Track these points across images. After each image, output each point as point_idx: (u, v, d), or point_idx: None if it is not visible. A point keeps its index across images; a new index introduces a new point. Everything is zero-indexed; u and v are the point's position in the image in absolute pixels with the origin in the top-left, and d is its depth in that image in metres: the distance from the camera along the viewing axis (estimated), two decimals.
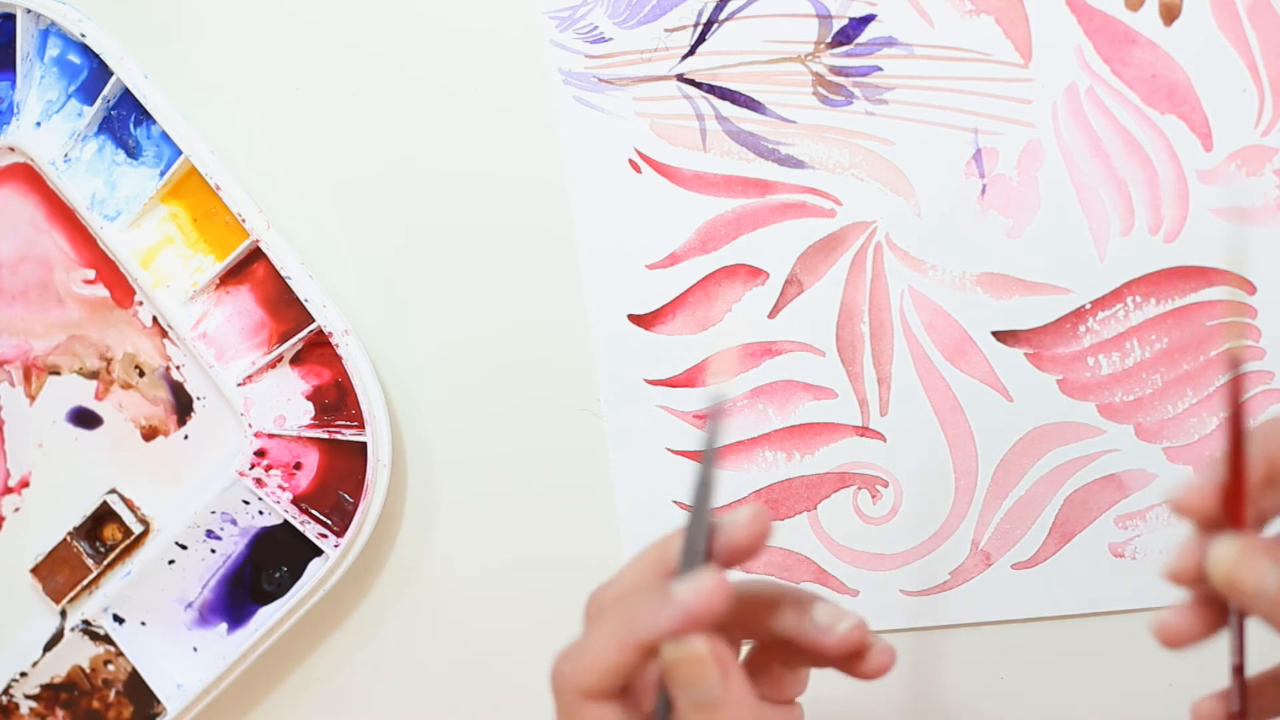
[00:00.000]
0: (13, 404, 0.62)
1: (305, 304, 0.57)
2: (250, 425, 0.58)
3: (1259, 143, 0.51)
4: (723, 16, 0.54)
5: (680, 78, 0.55)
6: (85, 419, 0.61)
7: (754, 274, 0.55)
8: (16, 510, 0.62)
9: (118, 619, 0.61)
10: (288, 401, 0.58)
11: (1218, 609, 0.40)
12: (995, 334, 0.54)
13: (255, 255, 0.58)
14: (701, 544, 0.40)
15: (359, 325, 0.58)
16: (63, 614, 0.62)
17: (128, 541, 0.60)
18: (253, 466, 0.58)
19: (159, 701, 0.60)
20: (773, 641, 0.44)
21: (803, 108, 0.54)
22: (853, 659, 0.43)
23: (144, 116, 0.58)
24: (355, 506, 0.57)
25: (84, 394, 0.61)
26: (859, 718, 0.58)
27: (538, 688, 0.60)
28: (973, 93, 0.53)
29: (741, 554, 0.41)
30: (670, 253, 0.56)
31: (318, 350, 0.58)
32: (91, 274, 0.60)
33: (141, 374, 0.60)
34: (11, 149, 0.59)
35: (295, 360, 0.58)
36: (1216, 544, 0.39)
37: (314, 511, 0.58)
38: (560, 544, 0.59)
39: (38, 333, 0.61)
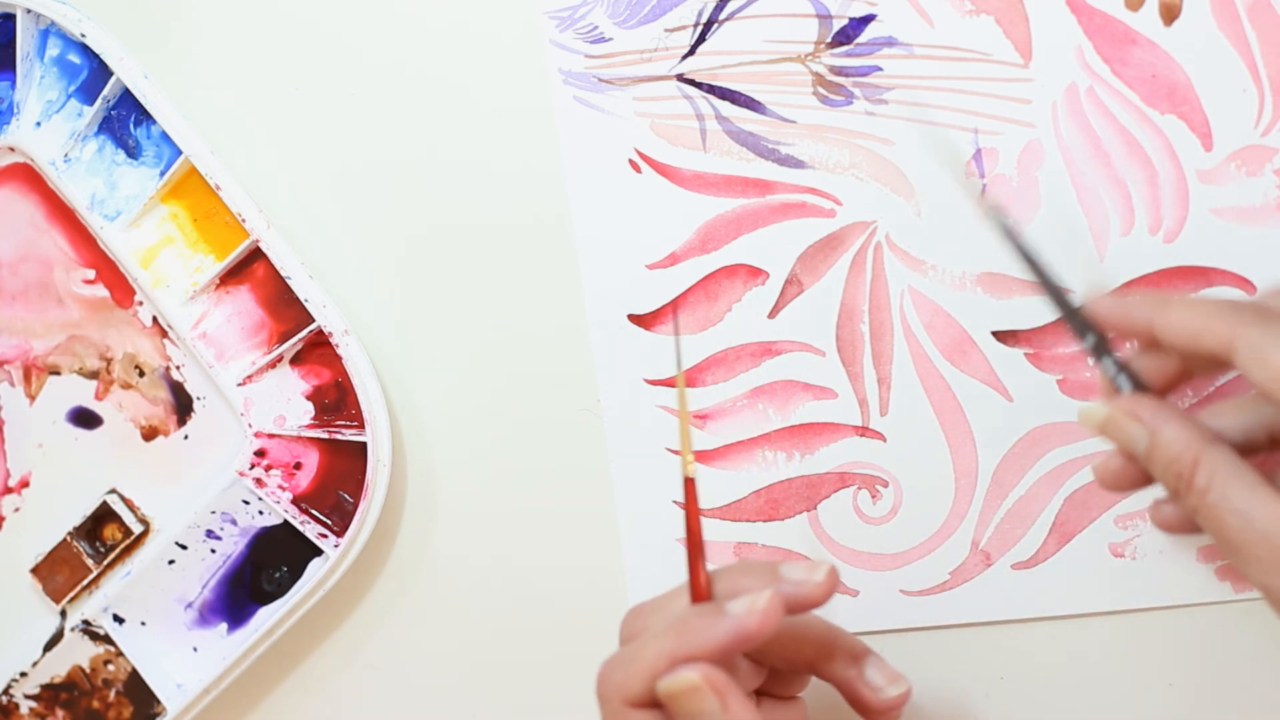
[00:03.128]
0: (13, 404, 0.62)
1: (305, 304, 0.57)
2: (250, 425, 0.58)
3: (1259, 143, 0.51)
4: (723, 16, 0.54)
5: (680, 78, 0.55)
6: (85, 419, 0.61)
7: (754, 274, 0.55)
8: (16, 510, 0.62)
9: (118, 619, 0.61)
10: (288, 401, 0.58)
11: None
12: (995, 334, 0.54)
13: (255, 255, 0.58)
14: (1073, 313, 0.45)
15: (359, 325, 0.58)
16: (63, 614, 0.62)
17: (128, 541, 0.60)
18: (253, 466, 0.58)
19: (159, 701, 0.60)
20: (800, 661, 0.46)
21: (803, 108, 0.54)
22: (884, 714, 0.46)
23: (144, 116, 0.58)
24: (355, 506, 0.57)
25: (84, 394, 0.61)
26: (859, 717, 0.58)
27: (537, 687, 0.60)
28: (973, 93, 0.53)
29: (808, 605, 0.44)
30: (670, 253, 0.56)
31: (318, 350, 0.58)
32: (91, 274, 0.60)
33: (141, 374, 0.60)
34: (11, 149, 0.59)
35: (295, 360, 0.58)
36: (1086, 406, 0.45)
37: (314, 511, 0.58)
38: (560, 544, 0.59)
39: (38, 333, 0.61)
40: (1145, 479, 0.46)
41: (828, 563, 0.45)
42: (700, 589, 0.45)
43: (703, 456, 0.57)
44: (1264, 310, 0.42)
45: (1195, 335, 0.42)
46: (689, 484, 0.46)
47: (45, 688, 0.62)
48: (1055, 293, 0.45)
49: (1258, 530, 0.40)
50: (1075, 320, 0.46)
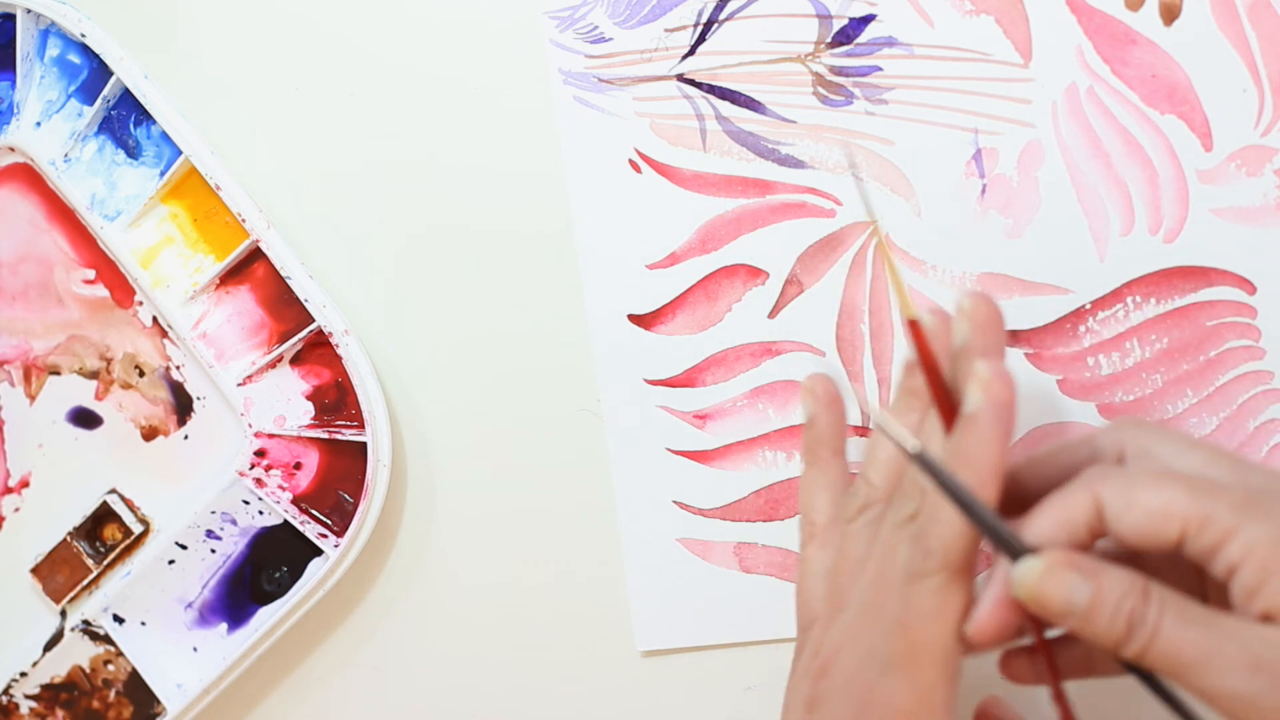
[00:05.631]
0: (13, 404, 0.62)
1: (305, 304, 0.57)
2: (250, 425, 0.58)
3: (1259, 143, 0.51)
4: (723, 16, 0.54)
5: (680, 78, 0.55)
6: (85, 419, 0.61)
7: (754, 274, 0.55)
8: (16, 510, 0.62)
9: (118, 619, 0.61)
10: (288, 401, 0.58)
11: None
12: None
13: (255, 255, 0.58)
14: (1015, 542, 0.40)
15: (359, 325, 0.58)
16: (63, 614, 0.62)
17: (128, 541, 0.60)
18: (253, 466, 0.58)
19: (159, 701, 0.60)
20: None
21: (803, 108, 0.54)
22: None
23: (144, 116, 0.58)
24: (355, 506, 0.57)
25: (84, 394, 0.61)
26: None
27: (538, 687, 0.60)
28: (973, 93, 0.53)
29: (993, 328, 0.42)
30: (670, 253, 0.56)
31: (318, 350, 0.58)
32: (91, 274, 0.60)
33: (141, 374, 0.60)
34: (11, 149, 0.59)
35: (295, 360, 0.58)
36: (1019, 565, 0.39)
37: (314, 511, 0.58)
38: (560, 544, 0.59)
39: (38, 333, 0.61)
40: (1016, 632, 0.42)
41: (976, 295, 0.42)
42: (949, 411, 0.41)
43: (703, 456, 0.57)
44: (1254, 492, 0.38)
45: (1164, 517, 0.38)
46: (914, 327, 0.41)
47: (45, 688, 0.62)
48: (975, 509, 0.40)
49: (1225, 637, 0.37)
50: (999, 535, 0.40)
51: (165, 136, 0.57)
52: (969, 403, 0.40)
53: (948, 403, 0.42)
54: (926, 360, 0.42)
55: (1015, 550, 0.40)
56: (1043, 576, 0.39)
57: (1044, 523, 0.40)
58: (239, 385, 0.58)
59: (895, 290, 0.42)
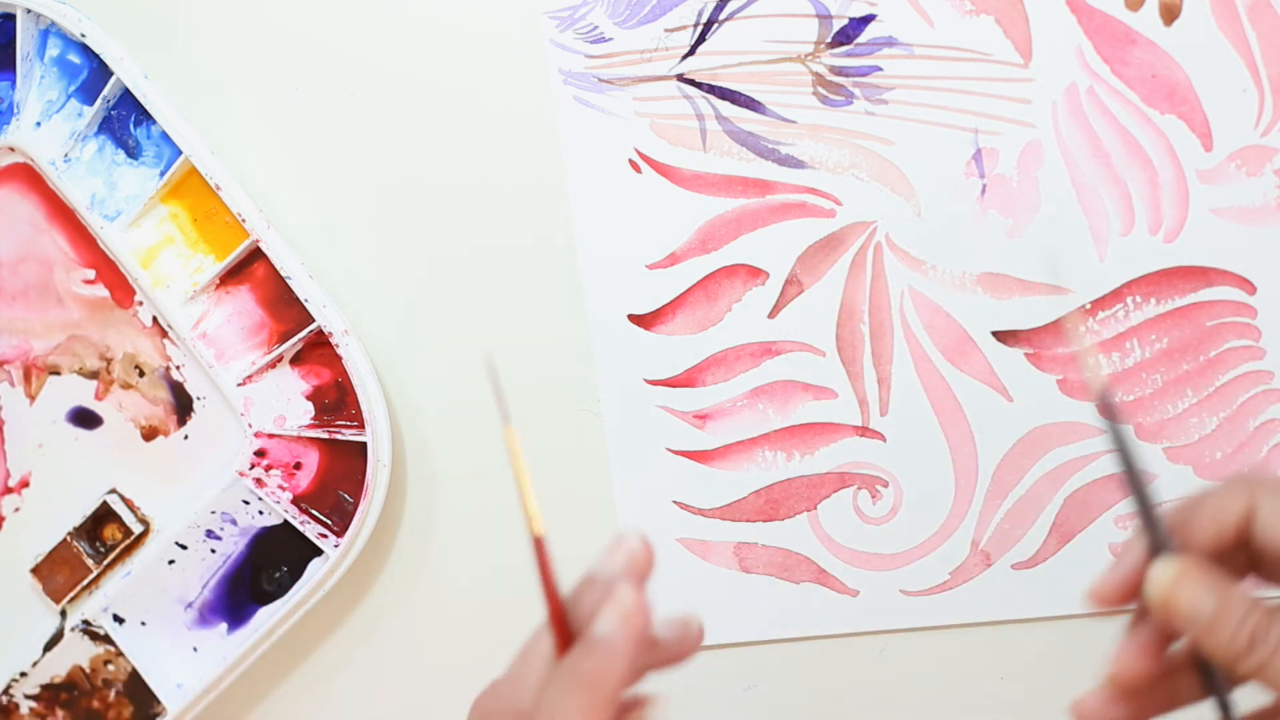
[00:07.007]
0: (13, 404, 0.62)
1: (305, 304, 0.57)
2: (250, 425, 0.58)
3: (1259, 143, 0.51)
4: (723, 16, 0.54)
5: (680, 78, 0.55)
6: (85, 419, 0.61)
7: (754, 274, 0.55)
8: (16, 510, 0.62)
9: (118, 619, 0.61)
10: (288, 401, 0.58)
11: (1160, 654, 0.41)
12: (995, 334, 0.54)
13: (255, 255, 0.58)
14: (1161, 532, 0.40)
15: (359, 325, 0.58)
16: (63, 614, 0.62)
17: (128, 541, 0.60)
18: (253, 466, 0.58)
19: (159, 701, 0.60)
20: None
21: (803, 108, 0.54)
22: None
23: (144, 116, 0.58)
24: (355, 506, 0.57)
25: (84, 394, 0.61)
26: (859, 718, 0.58)
27: None
28: (973, 93, 0.53)
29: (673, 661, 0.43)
30: (670, 253, 0.56)
31: (318, 350, 0.58)
32: (91, 274, 0.60)
33: (141, 374, 0.60)
34: (11, 149, 0.59)
35: (295, 360, 0.58)
36: (1157, 564, 0.39)
37: (314, 511, 0.58)
38: (560, 544, 0.59)
39: (38, 333, 0.61)
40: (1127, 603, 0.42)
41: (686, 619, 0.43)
42: (568, 636, 0.42)
43: (703, 456, 0.57)
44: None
45: (1219, 512, 0.39)
46: (538, 544, 0.42)
47: (45, 688, 0.62)
48: (1142, 497, 0.40)
49: None
50: (1152, 523, 0.40)
51: (165, 136, 0.57)
52: (603, 624, 0.40)
53: (562, 622, 0.41)
54: (545, 576, 0.42)
55: (1159, 541, 0.40)
56: (1175, 582, 0.39)
57: (1196, 513, 0.40)
58: (239, 385, 0.58)
59: (522, 500, 0.43)
